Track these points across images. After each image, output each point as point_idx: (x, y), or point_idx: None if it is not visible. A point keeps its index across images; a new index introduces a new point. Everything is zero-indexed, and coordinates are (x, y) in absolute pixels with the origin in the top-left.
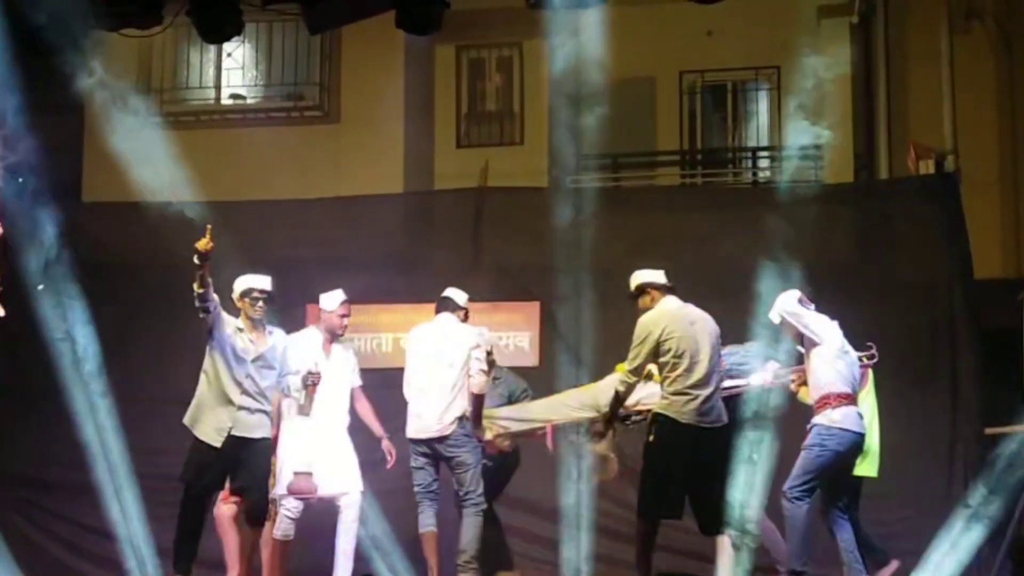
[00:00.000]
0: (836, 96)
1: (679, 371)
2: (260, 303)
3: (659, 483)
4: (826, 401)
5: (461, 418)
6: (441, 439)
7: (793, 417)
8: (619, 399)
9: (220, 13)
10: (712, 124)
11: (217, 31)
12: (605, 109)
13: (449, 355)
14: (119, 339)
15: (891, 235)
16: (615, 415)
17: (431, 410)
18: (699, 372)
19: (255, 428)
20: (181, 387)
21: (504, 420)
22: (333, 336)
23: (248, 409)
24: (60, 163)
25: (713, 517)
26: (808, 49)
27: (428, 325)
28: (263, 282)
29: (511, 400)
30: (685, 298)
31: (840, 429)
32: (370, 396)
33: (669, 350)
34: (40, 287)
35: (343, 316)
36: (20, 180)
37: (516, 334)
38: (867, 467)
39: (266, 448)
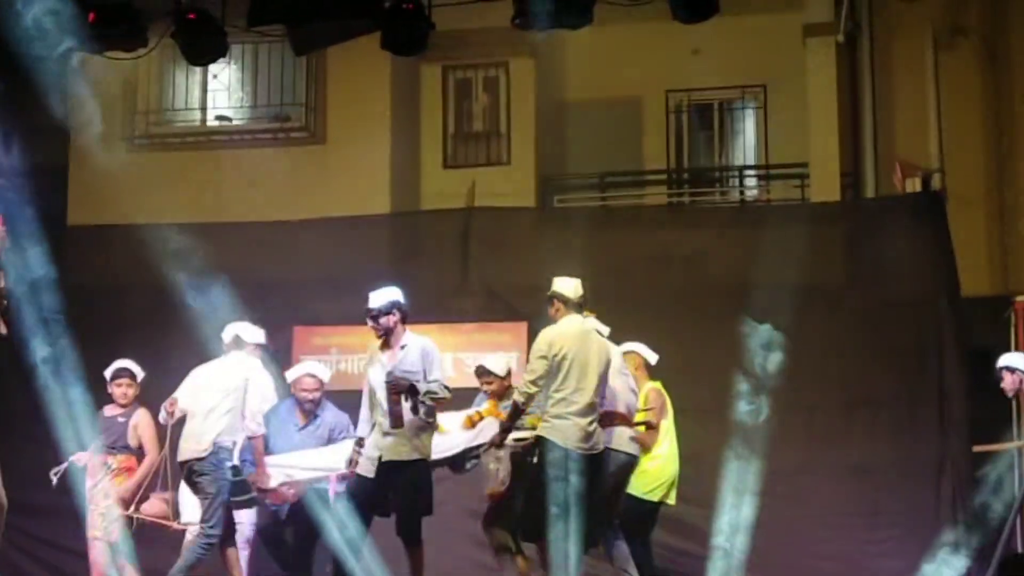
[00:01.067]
0: (822, 114)
1: (564, 394)
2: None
3: (541, 505)
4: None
5: (217, 444)
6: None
7: None
8: (516, 411)
9: (205, 35)
10: (699, 143)
11: (202, 53)
12: (591, 129)
13: (218, 382)
14: (104, 362)
15: (878, 253)
16: (508, 429)
17: (191, 433)
18: (583, 399)
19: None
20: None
21: (290, 468)
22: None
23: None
24: (45, 186)
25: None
26: (794, 68)
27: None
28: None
29: (330, 439)
30: (672, 316)
31: (610, 449)
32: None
33: (560, 370)
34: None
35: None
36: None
37: (504, 354)
38: (668, 495)
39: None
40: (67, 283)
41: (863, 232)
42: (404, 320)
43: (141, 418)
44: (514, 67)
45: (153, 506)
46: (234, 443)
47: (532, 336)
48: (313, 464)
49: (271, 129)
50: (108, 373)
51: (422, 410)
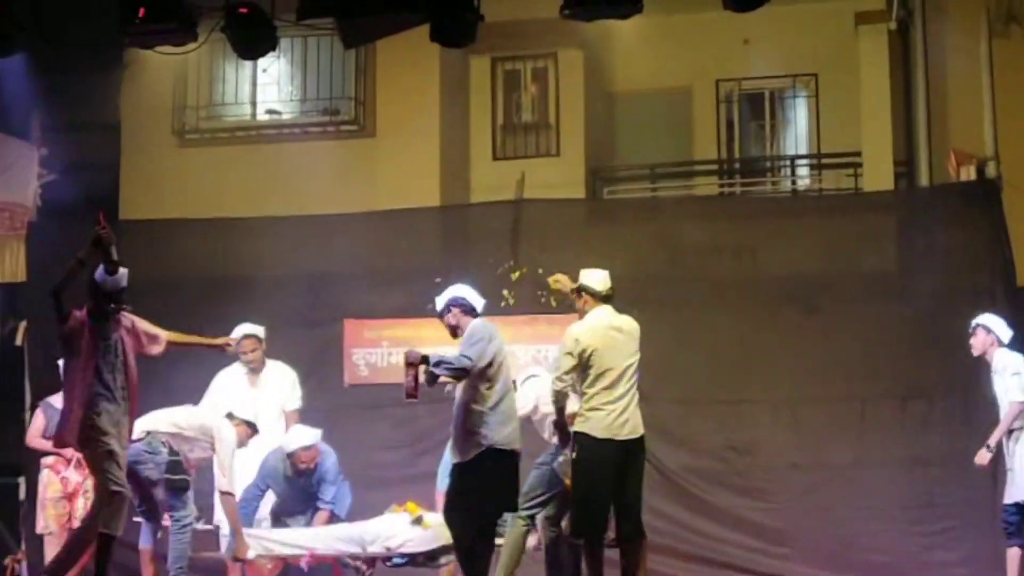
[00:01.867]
0: (875, 103)
1: (597, 388)
2: None
3: (587, 501)
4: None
5: (149, 432)
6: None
7: None
8: (557, 406)
9: (255, 29)
10: (750, 133)
11: (252, 47)
12: (641, 119)
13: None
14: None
15: (932, 243)
16: (561, 424)
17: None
18: (616, 390)
19: None
20: None
21: (270, 542)
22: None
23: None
24: (97, 181)
25: (634, 526)
26: (846, 56)
27: None
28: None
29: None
30: (723, 306)
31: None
32: (408, 410)
33: (591, 365)
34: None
35: (243, 352)
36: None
37: (555, 346)
38: None
39: None
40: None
41: (917, 221)
42: (467, 312)
43: None
44: (563, 58)
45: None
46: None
47: None
48: (293, 540)
49: (321, 123)
50: None
51: (439, 377)
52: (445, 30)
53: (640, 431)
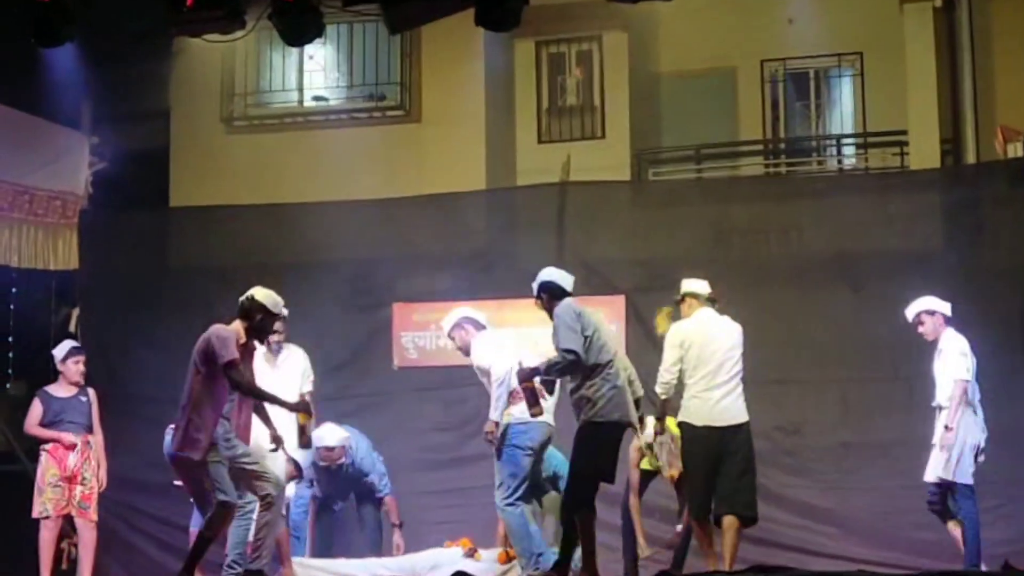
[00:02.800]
0: (920, 80)
1: (696, 377)
2: None
3: (691, 485)
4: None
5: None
6: None
7: None
8: (663, 401)
9: (301, 16)
10: (795, 112)
11: (299, 34)
12: (686, 100)
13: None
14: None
15: (979, 220)
16: (661, 417)
17: None
18: (716, 379)
19: None
20: None
21: (323, 572)
22: (269, 345)
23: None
24: (147, 169)
25: (730, 507)
26: (891, 34)
27: None
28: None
29: None
30: (770, 287)
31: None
32: (457, 393)
33: (691, 357)
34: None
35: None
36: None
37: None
38: None
39: None
40: (170, 264)
41: (964, 199)
42: (556, 296)
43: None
44: (607, 40)
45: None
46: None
47: (630, 309)
48: (348, 571)
49: (367, 108)
50: (61, 352)
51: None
52: (490, 14)
53: (741, 418)
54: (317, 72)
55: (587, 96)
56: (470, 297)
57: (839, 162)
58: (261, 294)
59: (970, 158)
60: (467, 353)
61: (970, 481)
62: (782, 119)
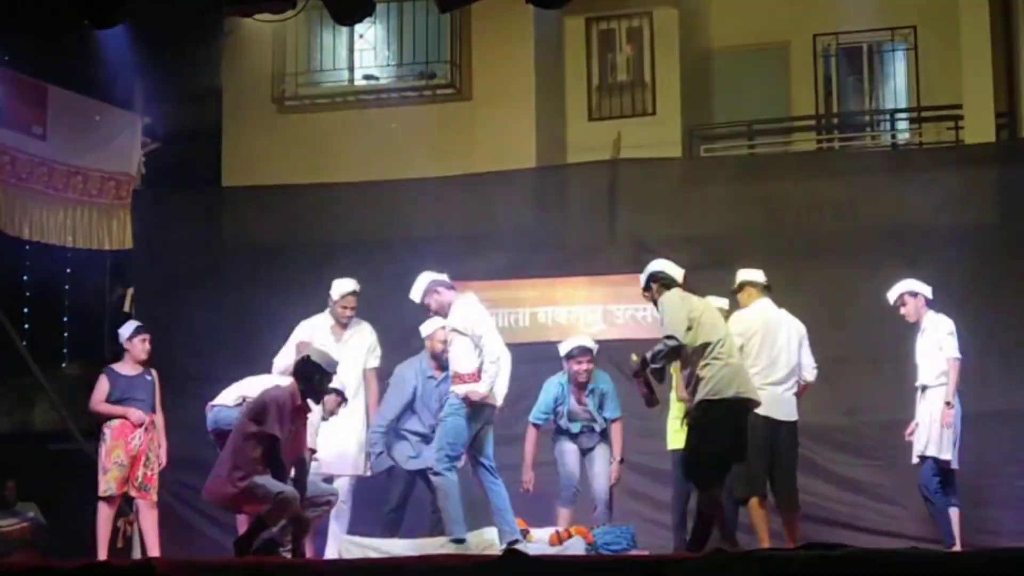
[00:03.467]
0: (975, 54)
1: (757, 369)
2: None
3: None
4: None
5: (245, 398)
6: None
7: None
8: None
9: None
10: (848, 87)
11: (349, 13)
12: (738, 76)
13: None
14: (262, 321)
15: None
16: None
17: None
18: (776, 372)
19: None
20: None
21: (374, 551)
22: (338, 322)
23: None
24: (200, 149)
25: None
26: (945, 6)
27: None
28: None
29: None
30: (823, 264)
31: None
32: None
33: (752, 348)
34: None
35: (343, 308)
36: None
37: (649, 306)
38: None
39: None
40: (223, 244)
41: (1019, 173)
42: (665, 285)
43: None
44: (658, 16)
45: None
46: None
47: (683, 286)
48: (396, 551)
49: (417, 87)
50: (127, 330)
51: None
52: None
53: (794, 416)
54: (367, 51)
55: (637, 73)
56: (522, 276)
57: (892, 137)
58: (316, 355)
59: None
60: (445, 315)
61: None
62: (835, 94)
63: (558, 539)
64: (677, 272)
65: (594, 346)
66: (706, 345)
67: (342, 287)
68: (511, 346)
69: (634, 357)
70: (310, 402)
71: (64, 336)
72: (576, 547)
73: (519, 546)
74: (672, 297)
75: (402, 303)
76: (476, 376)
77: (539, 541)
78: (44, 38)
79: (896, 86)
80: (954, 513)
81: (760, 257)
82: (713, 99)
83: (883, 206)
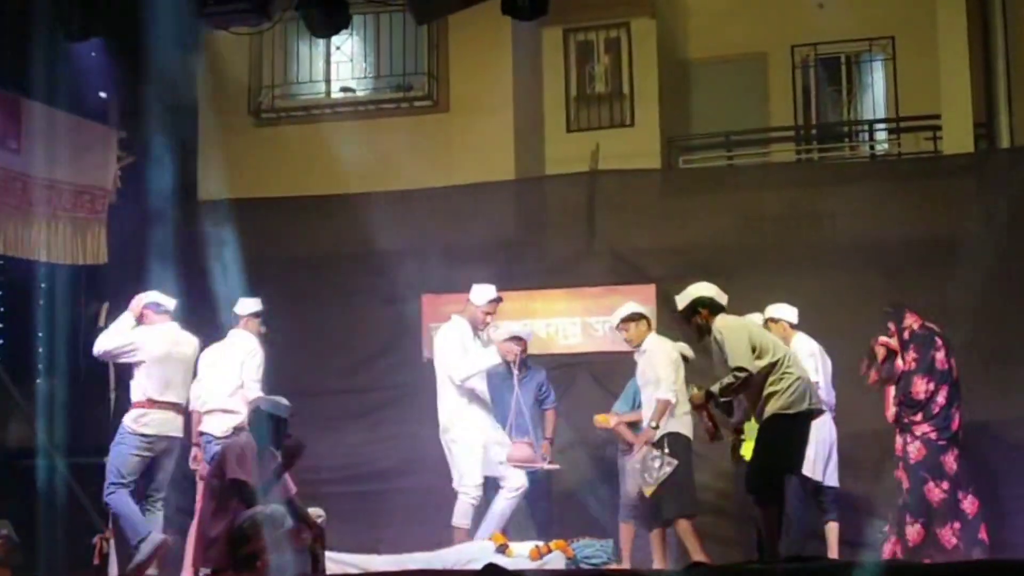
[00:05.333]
0: (953, 64)
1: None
2: None
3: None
4: None
5: None
6: None
7: None
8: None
9: (328, 7)
10: (826, 98)
11: (325, 25)
12: (716, 87)
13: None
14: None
15: (1013, 205)
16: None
17: None
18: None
19: None
20: (304, 382)
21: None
22: (475, 328)
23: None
24: (176, 162)
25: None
26: (923, 17)
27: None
28: None
29: (539, 393)
30: (802, 275)
31: None
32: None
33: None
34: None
35: (487, 313)
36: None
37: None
38: None
39: None
40: (199, 257)
41: (998, 183)
42: (715, 311)
43: None
44: (635, 27)
45: (520, 450)
46: None
47: (660, 298)
48: (377, 567)
49: (395, 99)
50: None
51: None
52: (517, 3)
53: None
54: (344, 63)
55: (616, 84)
56: (500, 288)
57: (871, 148)
58: (266, 403)
59: (1004, 142)
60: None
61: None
62: (813, 105)
63: (538, 553)
64: (723, 297)
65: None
66: (774, 364)
67: (486, 293)
68: None
69: (695, 390)
70: None
71: (38, 352)
72: (556, 561)
73: (499, 561)
74: (733, 325)
75: (378, 317)
76: None
77: (519, 555)
78: (18, 51)
79: (874, 97)
80: (832, 527)
81: (738, 268)
82: (691, 110)
83: (862, 216)
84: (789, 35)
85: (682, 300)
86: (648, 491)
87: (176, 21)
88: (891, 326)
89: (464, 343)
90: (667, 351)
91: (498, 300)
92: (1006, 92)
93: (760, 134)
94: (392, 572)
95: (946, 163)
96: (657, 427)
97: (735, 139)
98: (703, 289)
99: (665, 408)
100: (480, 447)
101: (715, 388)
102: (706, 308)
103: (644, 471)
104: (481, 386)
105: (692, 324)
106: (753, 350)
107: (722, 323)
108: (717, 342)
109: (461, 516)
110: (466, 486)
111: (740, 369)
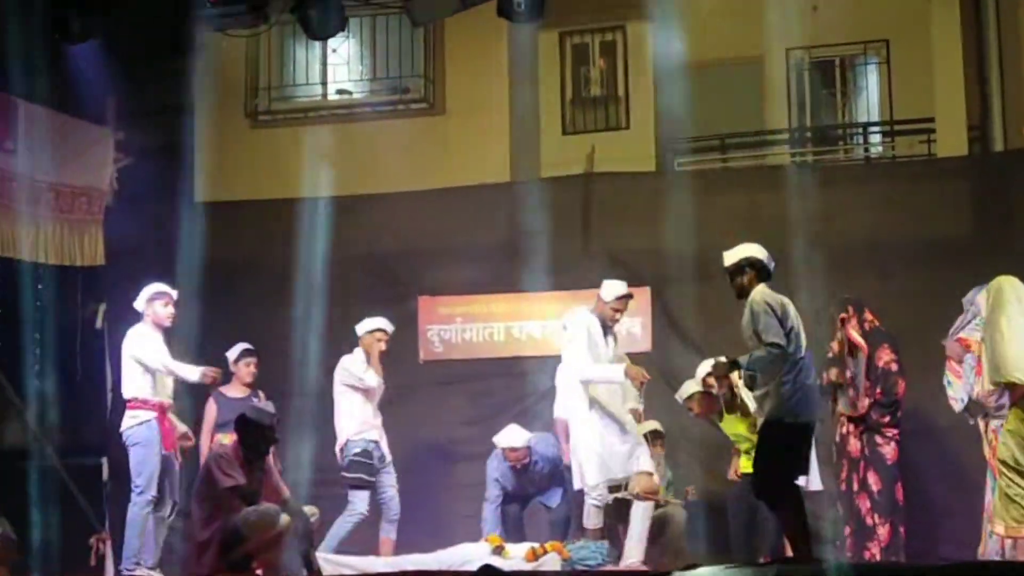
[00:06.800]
0: (947, 67)
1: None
2: None
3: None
4: None
5: None
6: None
7: None
8: None
9: (324, 9)
10: (821, 101)
11: (322, 27)
12: (711, 90)
13: None
14: (232, 337)
15: (1008, 208)
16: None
17: None
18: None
19: None
20: (299, 382)
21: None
22: (604, 324)
23: None
24: (172, 164)
25: None
26: (917, 21)
27: None
28: None
29: None
30: (797, 278)
31: None
32: (483, 384)
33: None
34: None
35: (616, 310)
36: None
37: (628, 319)
38: None
39: None
40: (197, 259)
41: (992, 187)
42: (761, 277)
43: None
44: (631, 31)
45: (642, 482)
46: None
47: (655, 301)
48: (370, 567)
49: (391, 101)
50: (234, 353)
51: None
52: (513, 5)
53: None
54: (341, 66)
55: (611, 87)
56: (496, 290)
57: (866, 151)
58: (251, 412)
59: (998, 145)
60: None
61: None
62: (808, 108)
63: (533, 555)
64: (771, 263)
65: None
66: (793, 362)
67: (616, 289)
68: (481, 361)
69: (721, 360)
70: None
71: (36, 353)
72: (551, 563)
73: (495, 562)
74: (774, 298)
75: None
76: None
77: (515, 557)
78: (14, 53)
79: (869, 100)
80: None
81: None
82: (687, 113)
83: (856, 219)
84: (784, 38)
85: (731, 256)
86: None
87: (172, 23)
88: (848, 317)
89: (593, 338)
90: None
91: (628, 296)
92: (1000, 95)
93: (755, 137)
94: (388, 573)
95: (940, 166)
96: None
97: (730, 142)
98: (755, 250)
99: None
100: (598, 446)
101: (743, 359)
102: (754, 270)
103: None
104: (606, 392)
105: (735, 283)
106: (786, 335)
107: (765, 293)
108: (752, 311)
109: (589, 518)
110: (587, 487)
111: (774, 345)
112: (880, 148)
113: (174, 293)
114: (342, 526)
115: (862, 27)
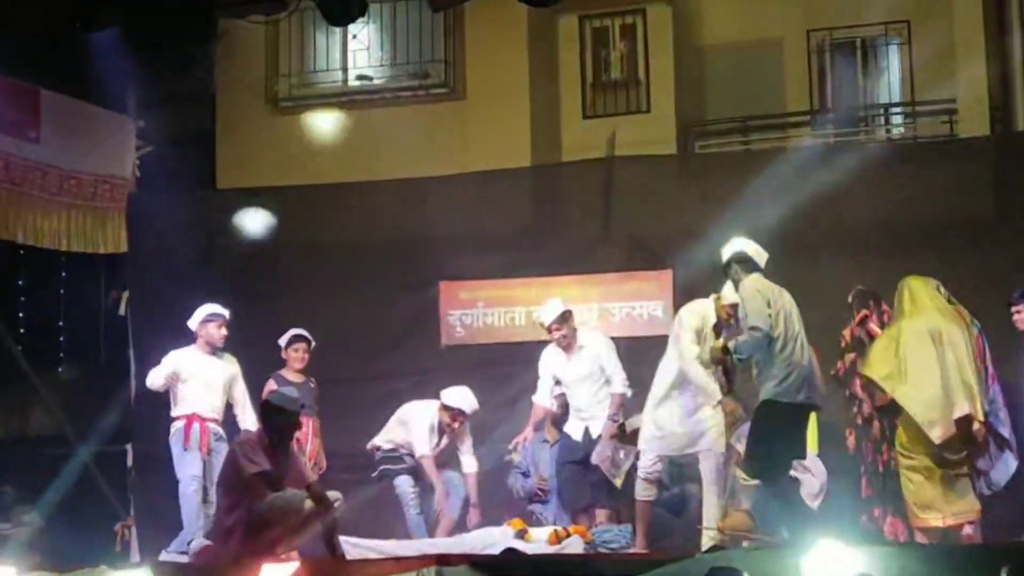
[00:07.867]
0: (969, 47)
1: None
2: None
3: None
4: None
5: None
6: None
7: None
8: None
9: None
10: (842, 82)
11: (342, 13)
12: (732, 72)
13: None
14: (258, 323)
15: None
16: None
17: None
18: None
19: None
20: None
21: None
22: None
23: None
24: (194, 151)
25: None
26: (938, 1)
27: None
28: None
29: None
30: (819, 260)
31: None
32: (505, 369)
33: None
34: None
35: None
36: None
37: (649, 303)
38: None
39: None
40: (219, 246)
41: (1015, 167)
42: (749, 270)
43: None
44: (651, 13)
45: (735, 519)
46: None
47: (677, 284)
48: (392, 551)
49: (411, 87)
50: (285, 339)
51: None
52: None
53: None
54: (361, 51)
55: (632, 70)
56: (517, 274)
57: (887, 132)
58: (277, 397)
59: (1020, 125)
60: None
61: None
62: (829, 89)
63: (556, 538)
64: (761, 256)
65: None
66: (783, 344)
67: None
68: (502, 346)
69: (717, 344)
70: None
71: (60, 340)
72: (575, 546)
73: (518, 546)
74: (758, 286)
75: (396, 304)
76: None
77: (538, 540)
78: (36, 42)
79: (890, 81)
80: None
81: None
82: (707, 95)
83: (878, 201)
84: (804, 20)
85: (724, 252)
86: (618, 483)
87: (193, 10)
88: (869, 314)
89: (704, 331)
90: (609, 342)
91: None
92: (1022, 74)
93: (776, 119)
94: (412, 556)
95: (962, 146)
96: (618, 422)
97: (751, 124)
98: (742, 245)
99: (621, 402)
100: (653, 423)
101: (732, 343)
102: (742, 264)
103: (612, 466)
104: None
105: (730, 277)
106: (769, 318)
107: (751, 283)
108: (742, 299)
109: (640, 491)
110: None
111: (754, 328)
112: (902, 129)
113: (227, 313)
114: (409, 516)
115: (883, 8)
